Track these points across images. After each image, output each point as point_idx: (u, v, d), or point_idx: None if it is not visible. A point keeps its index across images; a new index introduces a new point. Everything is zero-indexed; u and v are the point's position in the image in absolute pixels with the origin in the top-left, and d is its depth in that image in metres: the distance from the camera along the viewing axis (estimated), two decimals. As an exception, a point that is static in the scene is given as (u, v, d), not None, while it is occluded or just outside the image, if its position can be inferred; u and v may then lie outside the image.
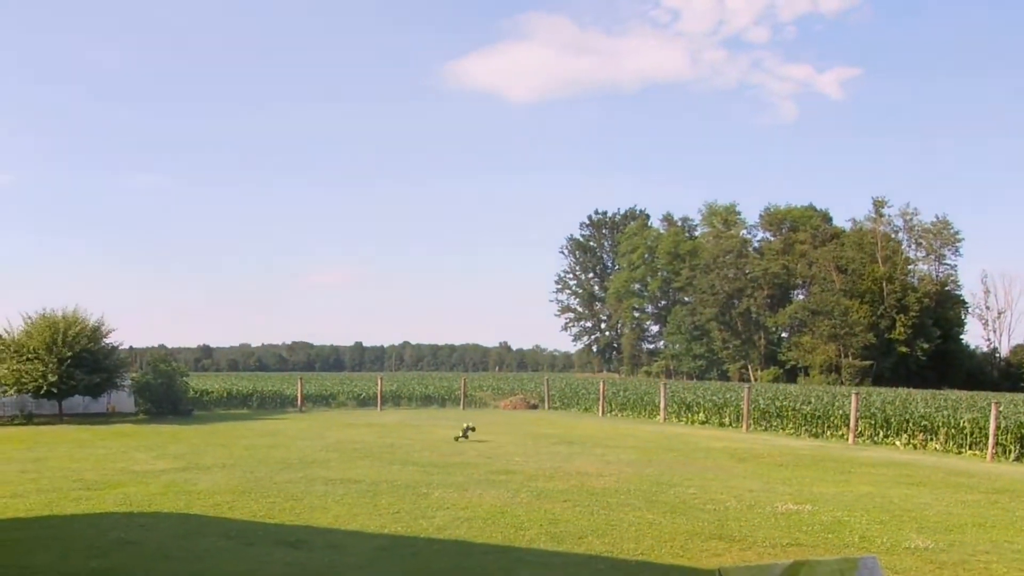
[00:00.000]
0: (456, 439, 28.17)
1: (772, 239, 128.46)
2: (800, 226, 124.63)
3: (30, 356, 35.30)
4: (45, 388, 35.09)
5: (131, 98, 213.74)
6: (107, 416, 39.00)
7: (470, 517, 14.52)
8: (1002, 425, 28.84)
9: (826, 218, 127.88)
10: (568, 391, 55.25)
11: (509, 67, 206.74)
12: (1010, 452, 28.36)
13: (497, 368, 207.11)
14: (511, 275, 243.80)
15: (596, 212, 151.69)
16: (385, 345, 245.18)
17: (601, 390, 47.51)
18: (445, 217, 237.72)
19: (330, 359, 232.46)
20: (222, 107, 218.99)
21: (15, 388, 35.45)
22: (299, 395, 47.64)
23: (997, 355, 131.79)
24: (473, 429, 28.93)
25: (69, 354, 35.30)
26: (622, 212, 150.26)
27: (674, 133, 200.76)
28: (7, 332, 37.18)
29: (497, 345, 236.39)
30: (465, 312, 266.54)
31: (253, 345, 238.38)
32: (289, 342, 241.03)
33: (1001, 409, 29.79)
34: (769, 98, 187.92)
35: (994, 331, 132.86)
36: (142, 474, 19.93)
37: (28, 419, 36.39)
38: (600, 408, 46.20)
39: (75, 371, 35.42)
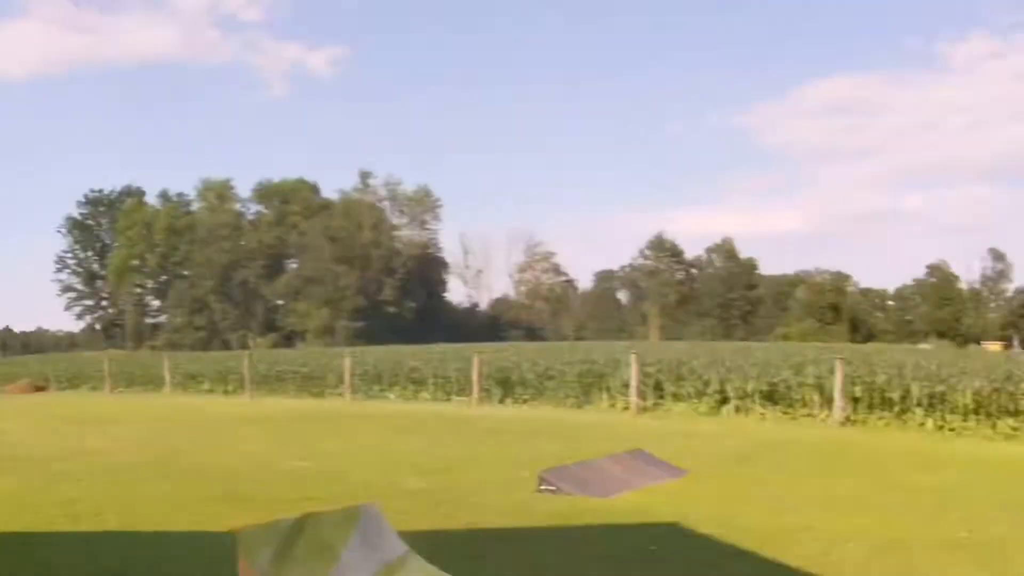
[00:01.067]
0: None
1: (266, 212, 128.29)
2: (292, 199, 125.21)
3: None
4: None
5: None
6: None
7: (-18, 510, 13.60)
8: (484, 372, 30.34)
9: (315, 190, 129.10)
10: (75, 370, 52.85)
11: (2, 45, 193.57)
12: (493, 396, 29.90)
13: (1, 353, 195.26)
14: (6, 257, 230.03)
15: (92, 191, 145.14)
16: None
17: (106, 367, 45.82)
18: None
19: None
20: None
21: None
22: None
23: (478, 309, 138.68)
24: None
25: None
26: (119, 190, 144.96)
27: (170, 111, 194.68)
28: None
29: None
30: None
31: None
32: None
33: (484, 358, 31.31)
34: (262, 75, 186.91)
35: (474, 288, 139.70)
36: None
37: None
38: (107, 385, 44.53)
39: None
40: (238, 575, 7.49)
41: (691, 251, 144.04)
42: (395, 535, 8.40)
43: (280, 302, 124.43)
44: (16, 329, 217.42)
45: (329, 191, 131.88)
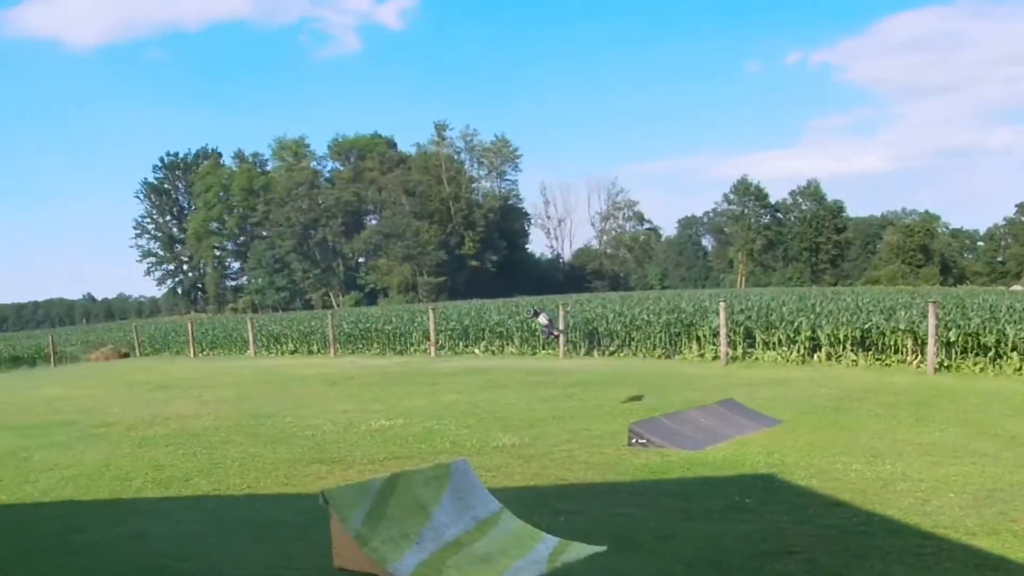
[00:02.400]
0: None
1: (342, 168, 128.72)
2: (367, 154, 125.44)
3: None
4: None
5: None
6: None
7: (75, 475, 13.86)
8: (571, 324, 30.35)
9: (391, 144, 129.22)
10: (158, 336, 53.59)
11: (66, 12, 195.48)
12: (580, 348, 29.91)
13: (84, 321, 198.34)
14: (86, 224, 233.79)
15: (168, 154, 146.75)
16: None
17: (190, 331, 46.50)
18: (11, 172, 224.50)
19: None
20: None
21: None
22: None
23: (561, 260, 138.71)
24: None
25: None
26: (194, 152, 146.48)
27: (241, 71, 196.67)
28: None
29: (81, 297, 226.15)
30: (46, 266, 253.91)
31: None
32: None
33: (568, 309, 31.34)
34: (331, 31, 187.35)
35: (556, 238, 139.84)
36: None
37: None
38: (191, 349, 45.20)
39: None
40: (331, 535, 7.65)
41: (776, 194, 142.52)
42: (486, 491, 8.50)
43: (361, 259, 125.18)
44: (98, 296, 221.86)
45: (405, 145, 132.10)
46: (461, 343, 33.50)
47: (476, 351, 32.39)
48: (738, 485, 10.32)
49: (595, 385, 20.32)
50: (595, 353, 29.67)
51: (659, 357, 28.04)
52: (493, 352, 31.89)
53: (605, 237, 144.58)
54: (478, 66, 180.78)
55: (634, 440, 12.68)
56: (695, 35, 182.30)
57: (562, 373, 23.34)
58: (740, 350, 26.40)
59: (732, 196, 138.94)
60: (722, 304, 26.19)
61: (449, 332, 34.07)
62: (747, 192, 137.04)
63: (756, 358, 25.94)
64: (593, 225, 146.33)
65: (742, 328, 27.16)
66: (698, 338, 27.94)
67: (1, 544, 10.16)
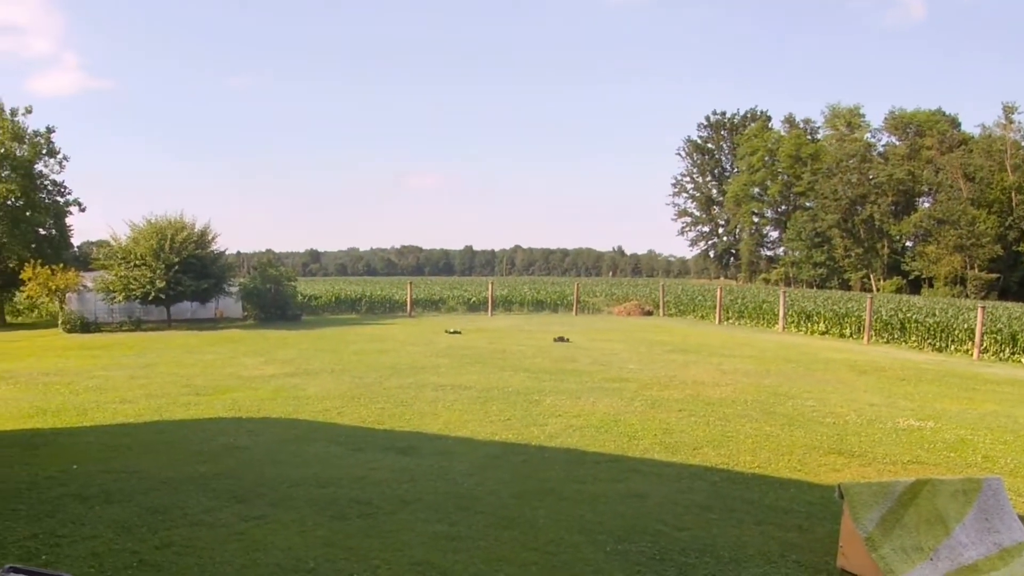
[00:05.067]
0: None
1: (897, 144, 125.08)
2: (927, 131, 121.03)
3: (137, 262, 36.01)
4: (153, 294, 35.82)
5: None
6: (215, 321, 39.85)
7: (582, 425, 14.62)
8: None
9: (954, 123, 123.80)
10: (684, 298, 54.87)
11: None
12: None
13: (611, 273, 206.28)
14: (626, 178, 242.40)
15: (714, 113, 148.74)
16: (496, 249, 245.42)
17: (718, 297, 47.24)
18: (558, 119, 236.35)
19: (440, 263, 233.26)
20: (324, 6, 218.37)
21: (123, 294, 36.20)
22: (408, 300, 48.06)
23: None
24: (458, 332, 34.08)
25: (176, 260, 35.82)
26: (741, 113, 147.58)
27: (796, 32, 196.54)
28: (114, 239, 37.75)
29: (611, 250, 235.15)
30: (578, 216, 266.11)
31: (361, 249, 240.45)
32: (398, 246, 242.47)
33: None
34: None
35: None
36: (250, 379, 20.33)
37: (136, 325, 37.44)
38: (717, 316, 45.96)
39: (183, 277, 36.04)
40: (839, 533, 7.61)
41: None
42: (1016, 517, 8.13)
43: (908, 244, 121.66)
44: (627, 251, 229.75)
45: (969, 125, 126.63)
46: (1008, 349, 31.88)
47: (1023, 361, 30.78)
48: None
49: None
50: None
51: None
52: (1043, 364, 30.21)
53: None
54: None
55: None
56: None
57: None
58: None
59: None
60: None
61: (995, 335, 32.50)
62: None
63: None
64: None
65: None
66: None
67: (504, 482, 10.87)
